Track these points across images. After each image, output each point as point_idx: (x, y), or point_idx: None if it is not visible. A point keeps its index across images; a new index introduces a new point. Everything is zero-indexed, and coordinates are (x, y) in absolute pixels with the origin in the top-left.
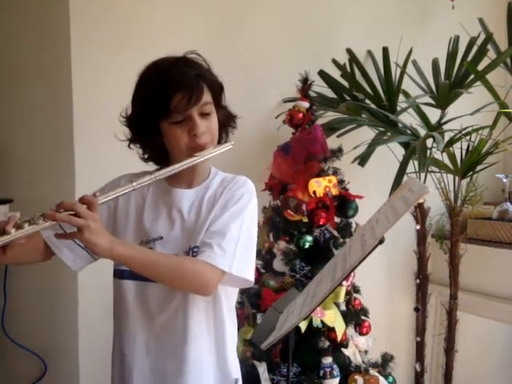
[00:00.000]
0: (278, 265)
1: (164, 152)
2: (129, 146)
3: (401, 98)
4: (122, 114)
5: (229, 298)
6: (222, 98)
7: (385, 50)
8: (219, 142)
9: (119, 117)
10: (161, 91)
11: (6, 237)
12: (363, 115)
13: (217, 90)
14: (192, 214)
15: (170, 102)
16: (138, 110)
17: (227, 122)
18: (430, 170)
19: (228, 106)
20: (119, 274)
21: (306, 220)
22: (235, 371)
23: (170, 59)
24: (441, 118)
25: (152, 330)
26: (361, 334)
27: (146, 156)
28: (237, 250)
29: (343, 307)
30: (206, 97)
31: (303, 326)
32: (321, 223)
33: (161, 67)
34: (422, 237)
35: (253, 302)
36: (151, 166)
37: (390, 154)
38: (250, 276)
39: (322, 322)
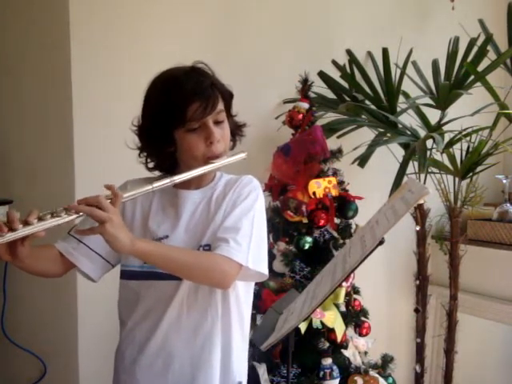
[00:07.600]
0: (278, 266)
1: (174, 161)
2: (139, 155)
3: (401, 98)
4: (133, 123)
5: (240, 302)
6: (232, 107)
7: (385, 51)
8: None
9: (131, 126)
10: (177, 100)
11: (29, 227)
12: (363, 116)
13: (228, 98)
14: (199, 213)
15: (186, 110)
16: (152, 118)
17: (236, 130)
18: (429, 170)
19: (236, 114)
20: (127, 275)
21: (305, 221)
22: (239, 375)
23: (183, 68)
24: (441, 118)
25: (160, 330)
26: (360, 335)
27: (151, 165)
28: (251, 244)
29: (343, 308)
30: (220, 105)
31: (303, 326)
32: (321, 224)
33: (175, 76)
34: (421, 238)
35: (252, 303)
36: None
37: (390, 155)
38: (265, 269)
39: (321, 322)
